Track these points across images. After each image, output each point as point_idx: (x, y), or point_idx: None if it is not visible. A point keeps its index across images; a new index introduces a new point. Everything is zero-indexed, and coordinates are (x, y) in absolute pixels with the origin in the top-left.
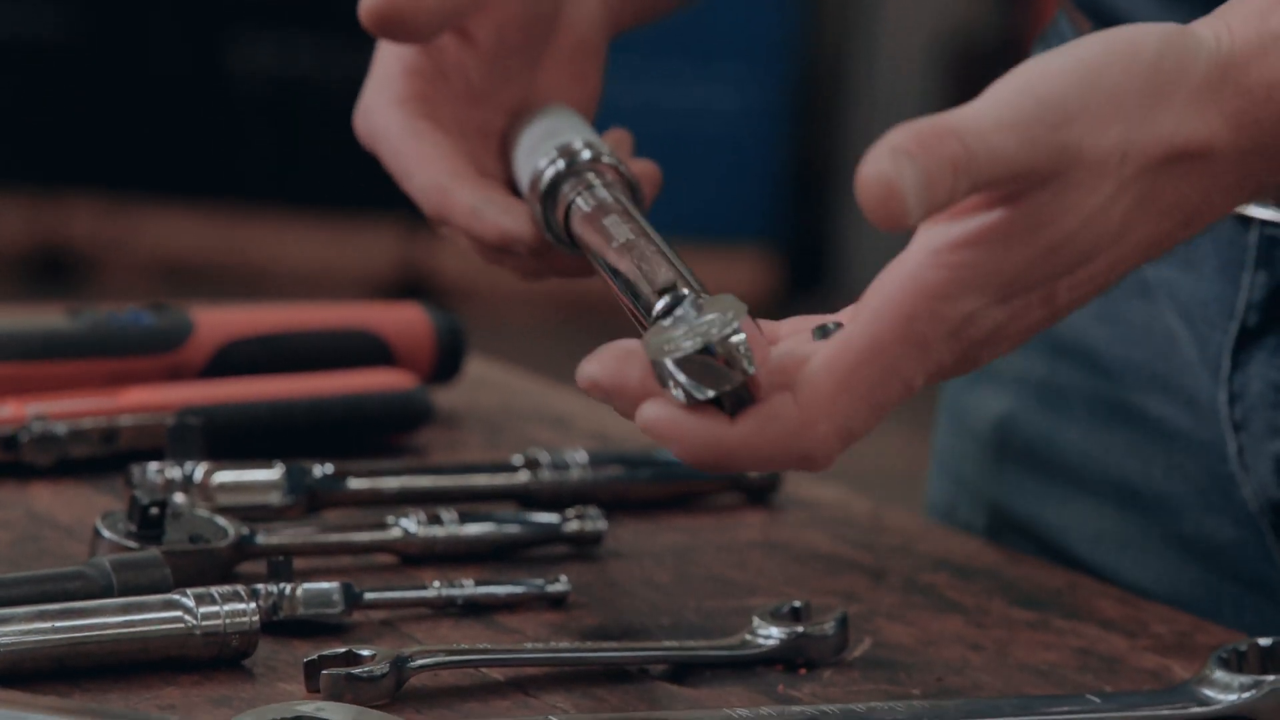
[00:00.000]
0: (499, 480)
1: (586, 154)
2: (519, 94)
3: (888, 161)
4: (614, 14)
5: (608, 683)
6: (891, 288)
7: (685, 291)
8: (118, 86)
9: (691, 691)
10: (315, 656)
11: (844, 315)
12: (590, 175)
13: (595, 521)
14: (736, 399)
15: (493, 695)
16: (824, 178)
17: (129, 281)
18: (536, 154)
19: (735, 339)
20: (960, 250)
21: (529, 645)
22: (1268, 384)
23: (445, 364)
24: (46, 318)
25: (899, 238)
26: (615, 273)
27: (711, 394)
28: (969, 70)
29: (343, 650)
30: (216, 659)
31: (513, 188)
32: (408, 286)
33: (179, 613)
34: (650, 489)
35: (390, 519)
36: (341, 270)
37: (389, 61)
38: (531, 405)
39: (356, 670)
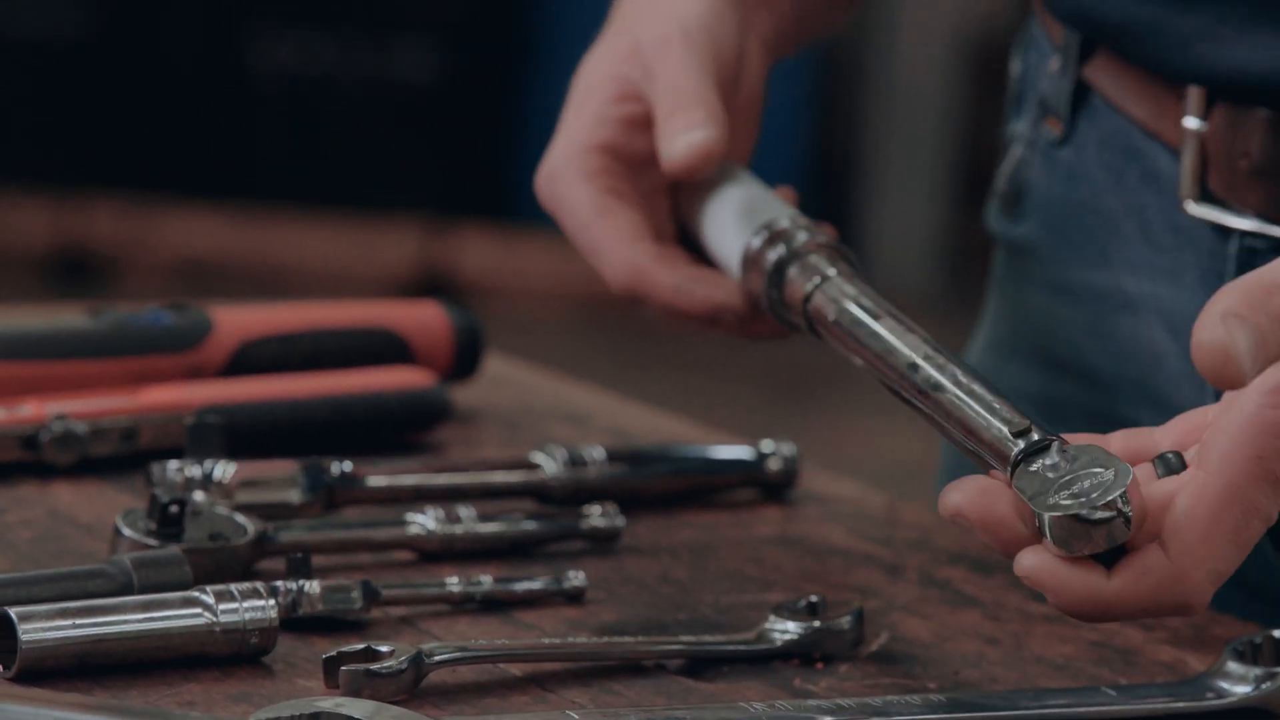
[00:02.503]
0: (516, 477)
1: (803, 235)
2: None
3: (1221, 329)
4: (772, 61)
5: (625, 677)
6: (1235, 431)
7: (1043, 437)
8: (138, 87)
9: (708, 686)
10: (334, 653)
11: (1173, 436)
12: (814, 258)
13: (612, 517)
14: (1114, 552)
15: (511, 690)
16: (845, 169)
17: (150, 281)
18: (740, 229)
19: (1121, 500)
20: None
21: (546, 641)
22: None
23: (463, 362)
24: (67, 318)
25: (921, 233)
26: (919, 389)
27: (1092, 550)
28: (989, 64)
29: (361, 646)
30: (236, 655)
31: (690, 239)
32: (428, 285)
33: (199, 610)
34: (667, 484)
35: (408, 516)
36: (362, 269)
37: (578, 131)
38: (549, 402)
39: (375, 666)
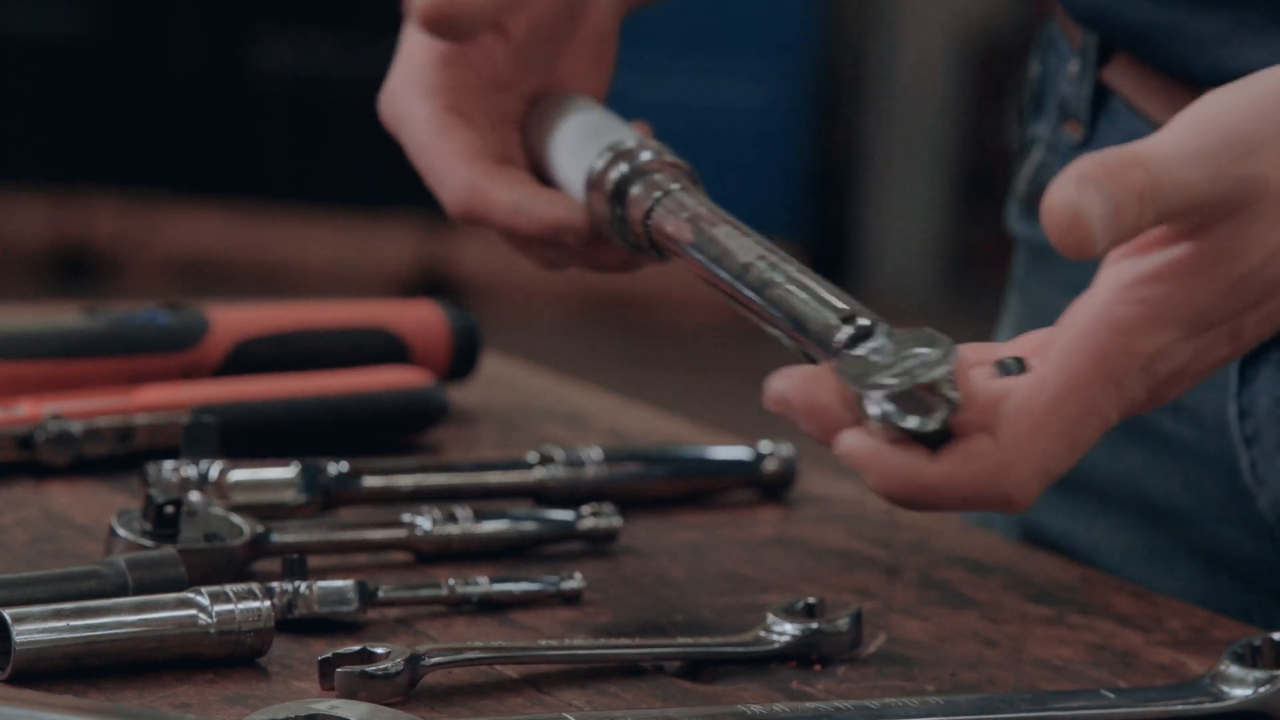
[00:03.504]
0: (513, 477)
1: (647, 154)
2: (540, 81)
3: (1074, 189)
4: (627, 7)
5: (622, 679)
6: (1083, 325)
7: (872, 323)
8: (138, 85)
9: (705, 688)
10: (330, 654)
11: (1020, 348)
12: (659, 176)
13: (610, 518)
14: (939, 435)
15: (507, 693)
16: (846, 172)
17: (150, 280)
18: (585, 151)
19: (943, 377)
20: (1149, 285)
21: (543, 642)
22: (1274, 399)
23: (461, 361)
24: (62, 317)
25: (921, 234)
26: (751, 287)
27: (914, 429)
28: (989, 65)
29: (357, 648)
30: (231, 657)
31: (537, 174)
32: (427, 283)
33: (194, 611)
34: (665, 485)
35: (405, 517)
36: (362, 268)
37: (418, 49)
38: (547, 402)
39: (371, 668)
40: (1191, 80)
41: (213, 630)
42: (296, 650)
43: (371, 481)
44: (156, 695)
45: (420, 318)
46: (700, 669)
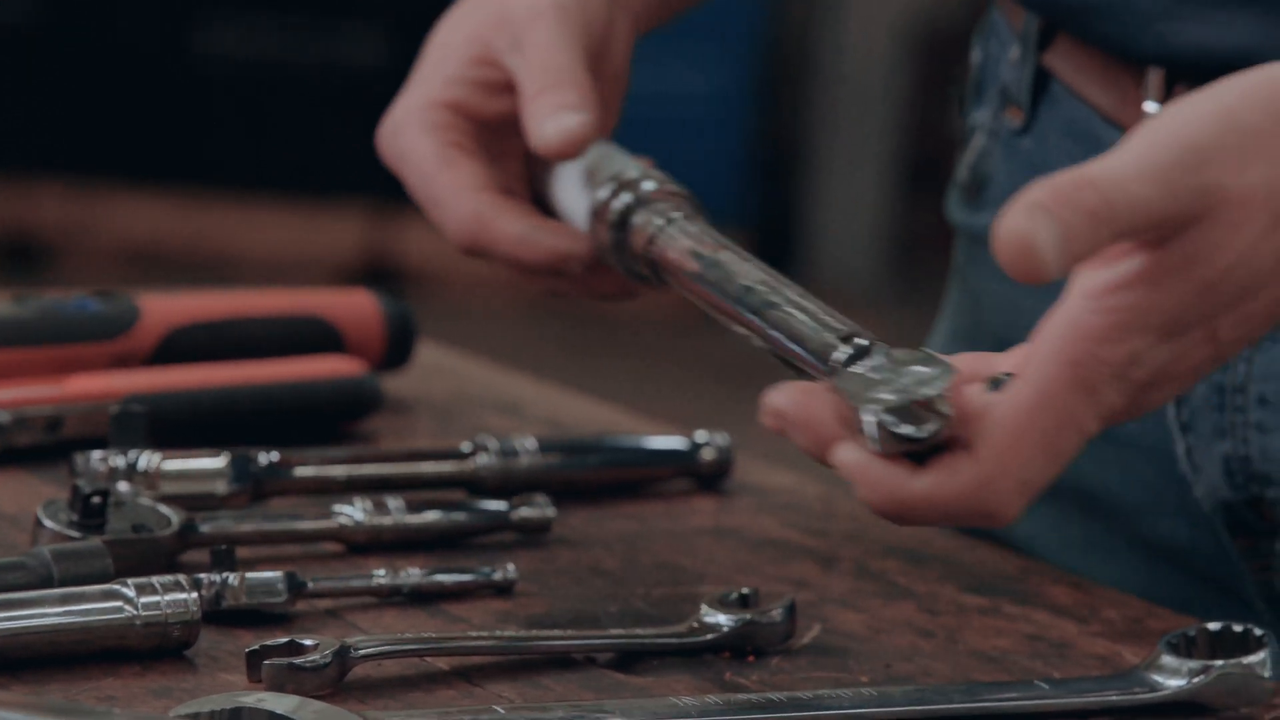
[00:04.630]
0: (447, 467)
1: (650, 184)
2: None
3: (1024, 218)
4: (638, 35)
5: (554, 671)
6: (1054, 337)
7: (870, 342)
8: (83, 70)
9: (638, 679)
10: (257, 646)
11: (1011, 362)
12: (662, 205)
13: (544, 509)
14: (931, 450)
15: (437, 684)
16: (792, 159)
17: (95, 267)
18: (589, 183)
19: (937, 395)
20: (1117, 293)
21: (474, 634)
22: (1211, 386)
23: (396, 351)
24: None
25: (867, 222)
26: (753, 310)
27: (909, 438)
28: (935, 53)
29: (285, 640)
30: (158, 649)
31: (540, 206)
32: (373, 271)
33: (120, 603)
34: (600, 475)
35: (336, 507)
36: (307, 255)
37: (429, 88)
38: (483, 392)
39: (299, 660)
40: (1132, 58)
41: (139, 622)
42: (224, 642)
43: (303, 471)
44: (82, 688)
45: (354, 306)
46: (633, 660)
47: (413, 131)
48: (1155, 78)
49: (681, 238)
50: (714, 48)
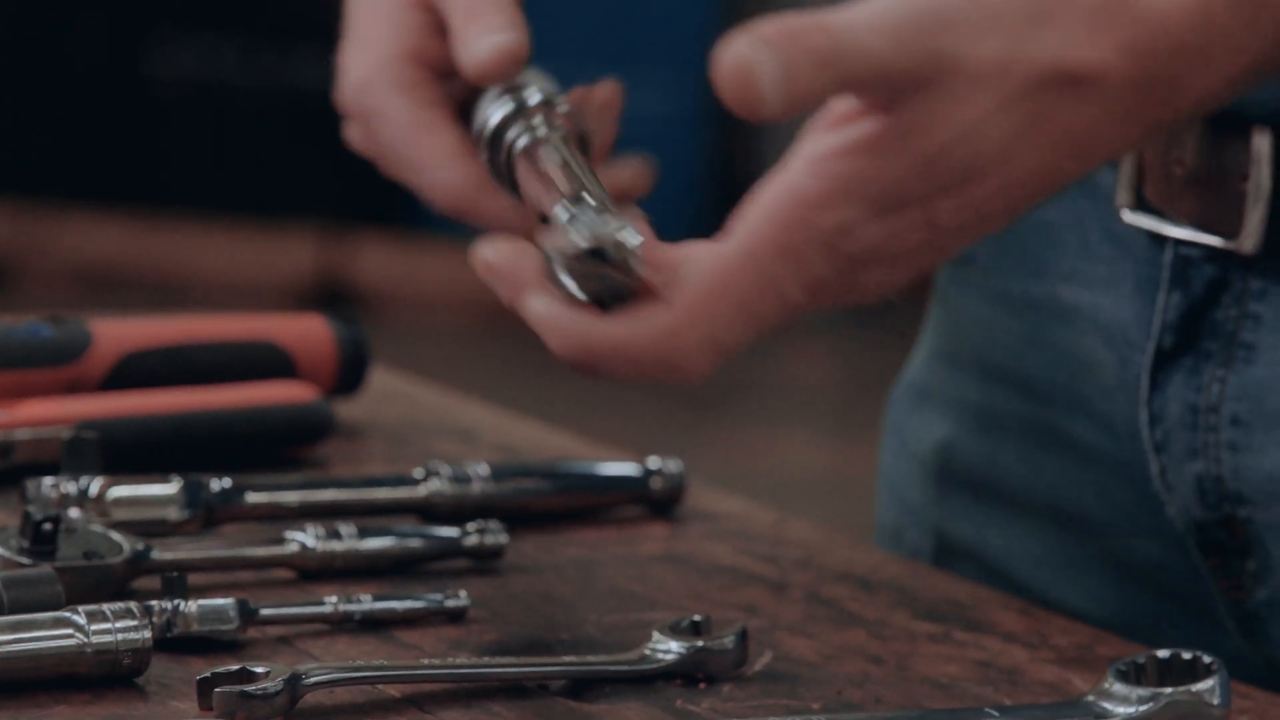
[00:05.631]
0: (399, 494)
1: (536, 97)
2: None
3: (747, 48)
4: None
5: (506, 698)
6: (767, 197)
7: (588, 198)
8: (36, 91)
9: (590, 707)
10: (209, 674)
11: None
12: (537, 119)
13: (496, 535)
14: (620, 302)
15: (389, 712)
16: (746, 181)
17: (47, 289)
18: (492, 104)
19: (627, 240)
20: (836, 159)
21: (426, 661)
22: (1184, 406)
23: (348, 376)
24: None
25: None
26: (535, 197)
27: (597, 291)
28: None
29: (236, 668)
30: (109, 677)
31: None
32: (326, 294)
33: (70, 630)
34: (553, 501)
35: (287, 534)
36: (261, 278)
37: (380, 40)
38: (436, 418)
39: (250, 688)
40: None
41: (89, 650)
42: (175, 669)
43: (255, 498)
44: (31, 716)
45: (307, 331)
46: (585, 688)
47: (383, 90)
48: None
49: (522, 144)
50: (668, 68)
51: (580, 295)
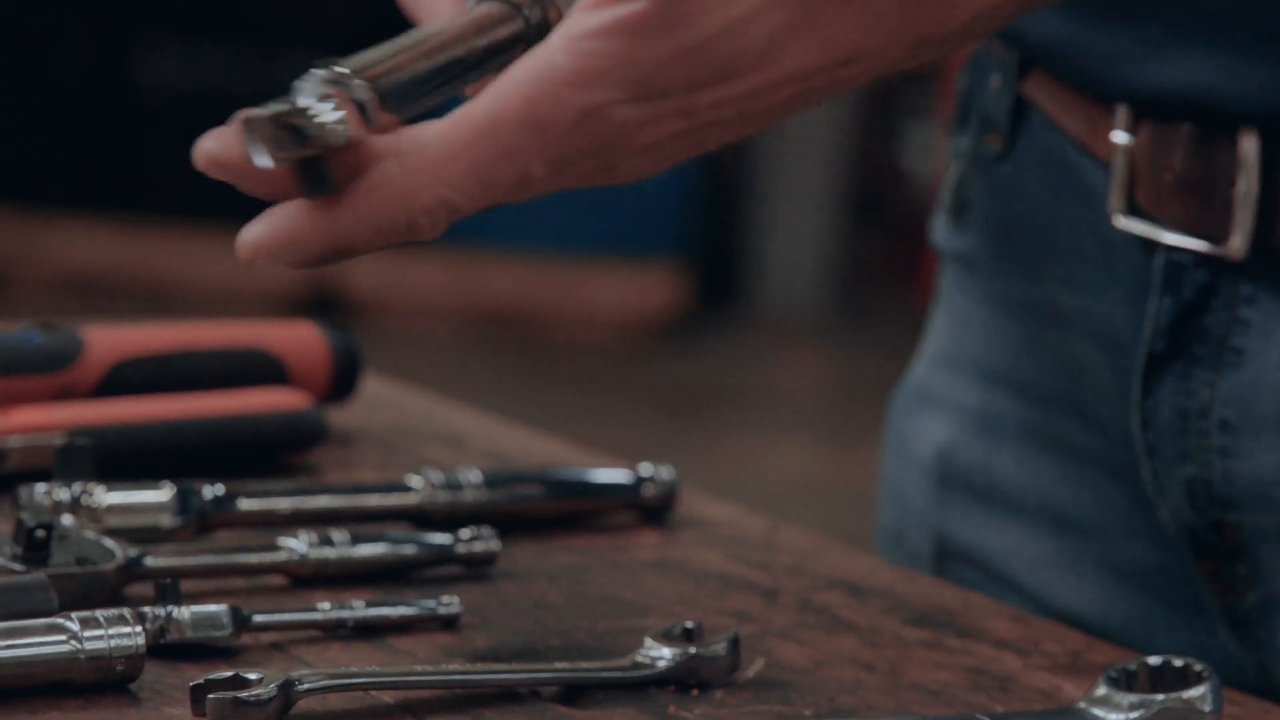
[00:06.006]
0: (392, 500)
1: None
2: None
3: None
4: None
5: (499, 705)
6: (521, 69)
7: (317, 70)
8: (22, 96)
9: (582, 713)
10: (202, 680)
11: None
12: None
13: (488, 542)
14: (314, 174)
15: (382, 718)
16: (734, 191)
17: (36, 296)
18: None
19: (316, 111)
20: (594, 39)
21: (419, 668)
22: (1175, 410)
23: (341, 383)
24: None
25: (811, 254)
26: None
27: (284, 157)
28: (879, 83)
29: (229, 674)
30: (102, 683)
31: None
32: (316, 301)
33: (63, 637)
34: (544, 508)
35: (280, 540)
36: (251, 285)
37: None
38: (427, 424)
39: (243, 694)
40: (1099, 95)
41: (82, 656)
42: (169, 676)
43: (248, 504)
44: None
45: (299, 339)
46: (577, 694)
47: None
48: (1123, 111)
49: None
50: None
51: (268, 162)
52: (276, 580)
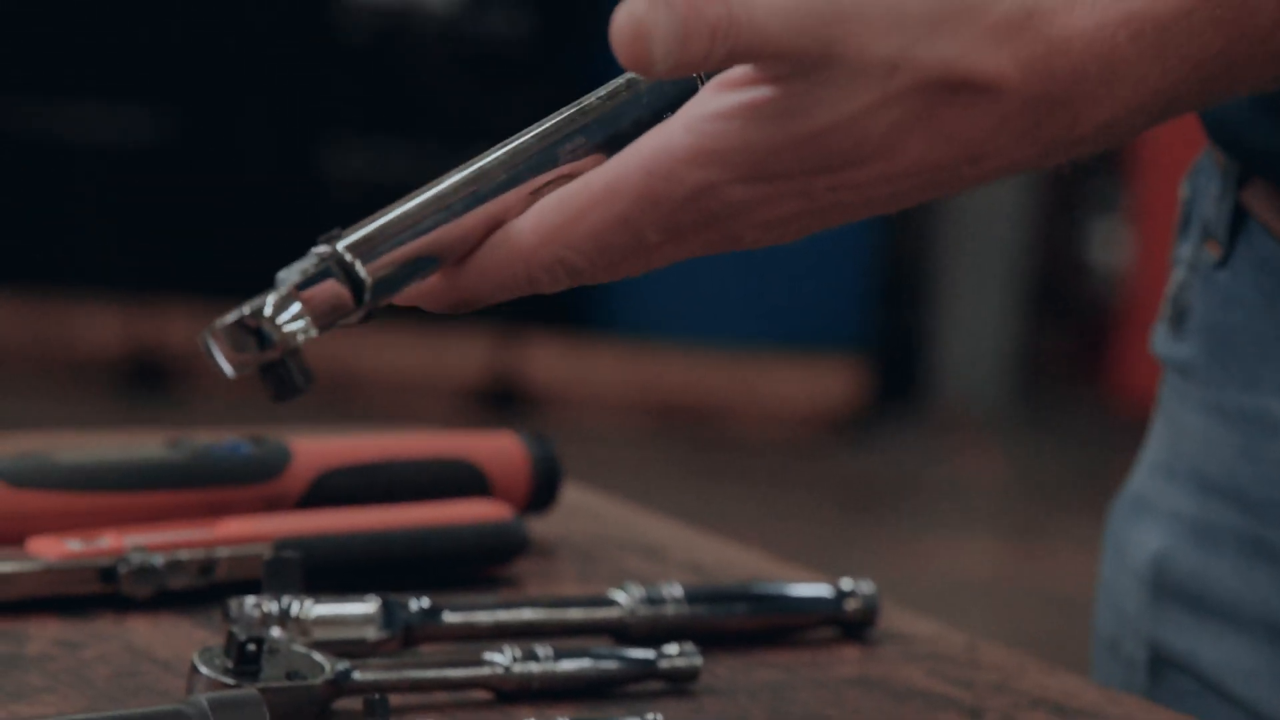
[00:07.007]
0: (594, 614)
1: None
2: None
3: (646, 6)
4: None
5: None
6: (645, 143)
7: (317, 248)
8: (211, 192)
9: None
10: None
11: None
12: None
13: (691, 657)
14: (278, 377)
15: None
16: (914, 283)
17: (224, 389)
18: None
19: (268, 309)
20: (714, 121)
21: None
22: None
23: (541, 493)
24: (145, 447)
25: (992, 345)
26: None
27: (245, 361)
28: (1061, 175)
29: None
30: None
31: None
32: (497, 393)
33: None
34: (746, 622)
35: (485, 655)
36: (434, 377)
37: None
38: (625, 534)
39: None
40: None
41: None
42: None
43: (451, 618)
44: None
45: (500, 449)
46: None
47: None
48: None
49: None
50: None
51: (230, 370)
52: (481, 694)
